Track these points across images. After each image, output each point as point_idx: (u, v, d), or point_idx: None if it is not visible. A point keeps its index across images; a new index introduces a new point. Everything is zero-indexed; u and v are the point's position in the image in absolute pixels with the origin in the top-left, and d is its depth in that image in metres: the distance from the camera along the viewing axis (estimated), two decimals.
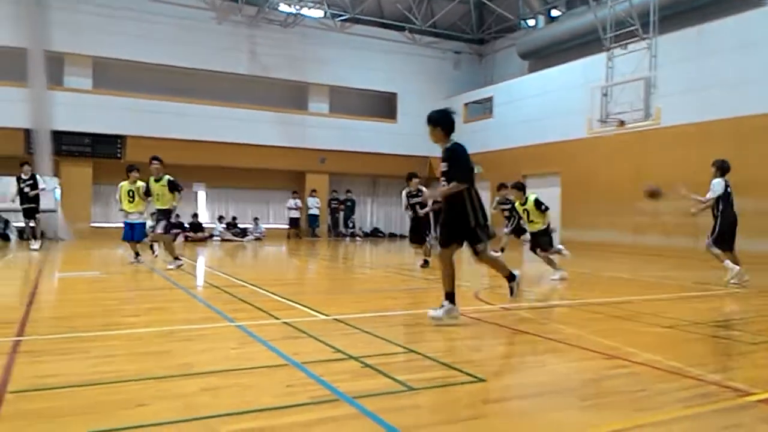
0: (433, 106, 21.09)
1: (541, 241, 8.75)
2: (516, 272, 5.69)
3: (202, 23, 20.01)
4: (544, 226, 8.72)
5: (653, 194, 8.32)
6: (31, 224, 13.49)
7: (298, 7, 20.64)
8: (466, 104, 22.88)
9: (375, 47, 22.64)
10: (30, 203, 13.27)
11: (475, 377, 3.37)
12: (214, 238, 19.62)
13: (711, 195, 8.16)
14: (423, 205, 10.07)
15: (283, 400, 2.97)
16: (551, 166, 18.38)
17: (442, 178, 5.15)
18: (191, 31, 19.65)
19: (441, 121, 5.12)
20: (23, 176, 13.24)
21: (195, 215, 20.14)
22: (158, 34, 19.09)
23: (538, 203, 8.61)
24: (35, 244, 13.19)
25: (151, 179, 9.35)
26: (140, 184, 10.13)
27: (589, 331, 4.79)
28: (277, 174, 21.70)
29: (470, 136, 21.92)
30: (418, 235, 10.39)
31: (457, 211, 5.02)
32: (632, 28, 14.26)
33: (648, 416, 2.84)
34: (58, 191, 17.52)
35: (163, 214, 9.40)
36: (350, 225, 22.86)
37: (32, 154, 17.59)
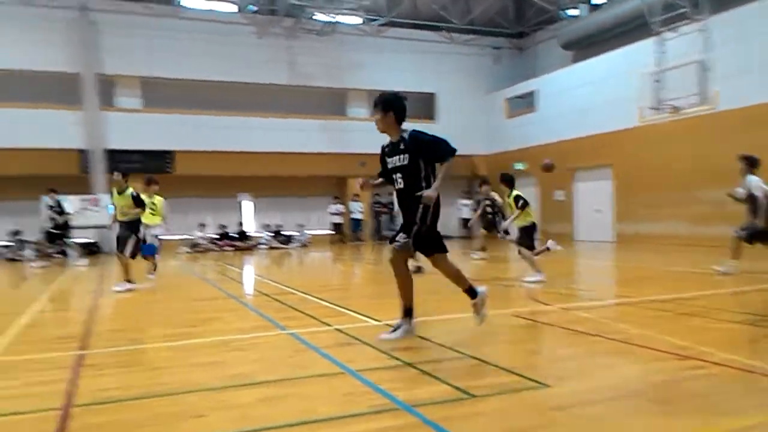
0: (473, 105, 20.85)
1: (523, 241, 8.12)
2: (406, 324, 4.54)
3: (242, 38, 20.40)
4: (528, 223, 8.14)
5: (548, 168, 8.07)
6: (45, 243, 14.72)
7: (334, 15, 20.78)
8: (508, 99, 22.50)
9: (411, 49, 22.55)
10: (57, 229, 14.04)
11: (539, 382, 3.24)
12: (261, 246, 19.93)
13: (761, 193, 7.78)
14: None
15: (341, 409, 2.93)
16: (601, 158, 17.81)
17: (398, 175, 4.50)
18: (233, 46, 20.07)
19: (394, 106, 4.45)
20: (50, 203, 14.00)
21: (241, 224, 20.54)
22: (201, 51, 19.58)
23: (516, 198, 8.15)
24: (36, 263, 14.04)
25: (114, 191, 8.76)
26: (158, 199, 10.04)
27: (656, 330, 4.56)
28: (319, 180, 21.88)
29: (512, 131, 21.60)
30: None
31: (427, 209, 4.36)
32: (682, 10, 13.68)
33: (729, 421, 2.66)
34: (111, 207, 18.14)
35: (130, 228, 8.46)
36: (394, 228, 22.77)
37: (87, 174, 18.36)
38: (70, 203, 14.59)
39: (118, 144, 18.63)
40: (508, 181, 8.40)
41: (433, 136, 4.50)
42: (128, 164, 18.88)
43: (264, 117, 20.36)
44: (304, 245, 20.45)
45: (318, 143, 20.89)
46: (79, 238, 18.46)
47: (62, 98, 18.20)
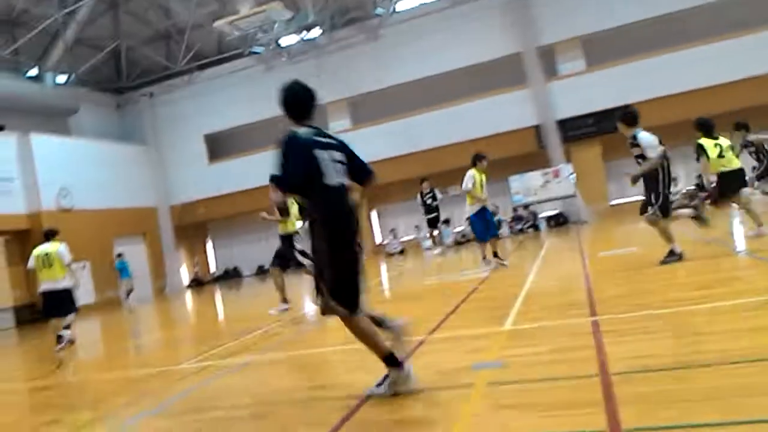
0: None
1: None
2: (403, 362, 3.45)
3: None
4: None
5: None
6: (435, 232, 16.39)
7: None
8: None
9: None
10: (431, 213, 15.73)
11: None
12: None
13: None
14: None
15: None
16: None
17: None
18: None
19: (283, 104, 3.63)
20: (424, 191, 15.80)
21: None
22: None
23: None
24: (436, 250, 15.97)
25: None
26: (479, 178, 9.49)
27: None
28: None
29: None
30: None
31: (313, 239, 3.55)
32: None
33: None
34: (573, 177, 19.03)
35: (282, 243, 8.47)
36: None
37: (544, 148, 19.77)
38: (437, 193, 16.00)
39: (568, 112, 19.41)
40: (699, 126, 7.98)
41: (280, 154, 3.41)
42: (581, 130, 19.49)
43: (716, 41, 17.74)
44: None
45: None
46: (547, 210, 20.13)
47: (508, 81, 20.14)
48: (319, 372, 4.55)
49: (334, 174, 3.46)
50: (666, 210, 6.77)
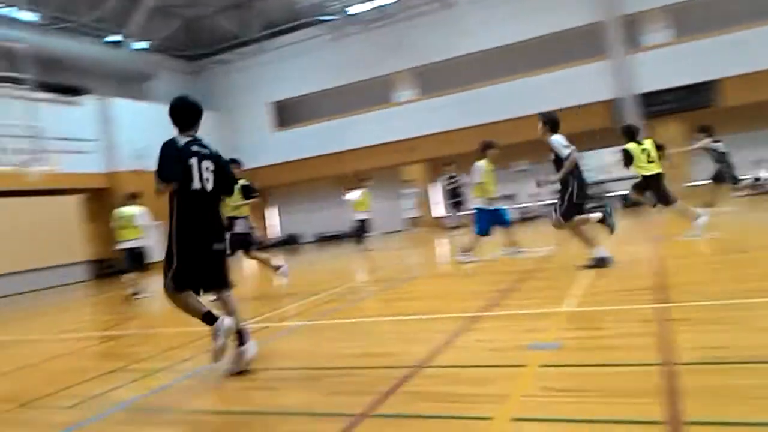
0: None
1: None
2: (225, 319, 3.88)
3: None
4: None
5: None
6: (458, 213, 16.54)
7: None
8: None
9: None
10: (456, 197, 16.25)
11: None
12: None
13: None
14: None
15: None
16: None
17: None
18: None
19: (169, 114, 4.14)
20: (453, 174, 16.10)
21: None
22: None
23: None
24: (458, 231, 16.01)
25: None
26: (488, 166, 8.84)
27: None
28: None
29: None
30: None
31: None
32: None
33: None
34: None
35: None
36: None
37: (621, 124, 18.84)
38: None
39: (650, 85, 18.38)
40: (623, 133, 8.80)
41: (160, 152, 3.97)
42: (661, 106, 18.48)
43: None
44: None
45: None
46: (621, 190, 19.28)
47: (585, 52, 19.23)
48: (372, 341, 4.55)
49: (201, 181, 3.95)
50: (568, 216, 6.61)
